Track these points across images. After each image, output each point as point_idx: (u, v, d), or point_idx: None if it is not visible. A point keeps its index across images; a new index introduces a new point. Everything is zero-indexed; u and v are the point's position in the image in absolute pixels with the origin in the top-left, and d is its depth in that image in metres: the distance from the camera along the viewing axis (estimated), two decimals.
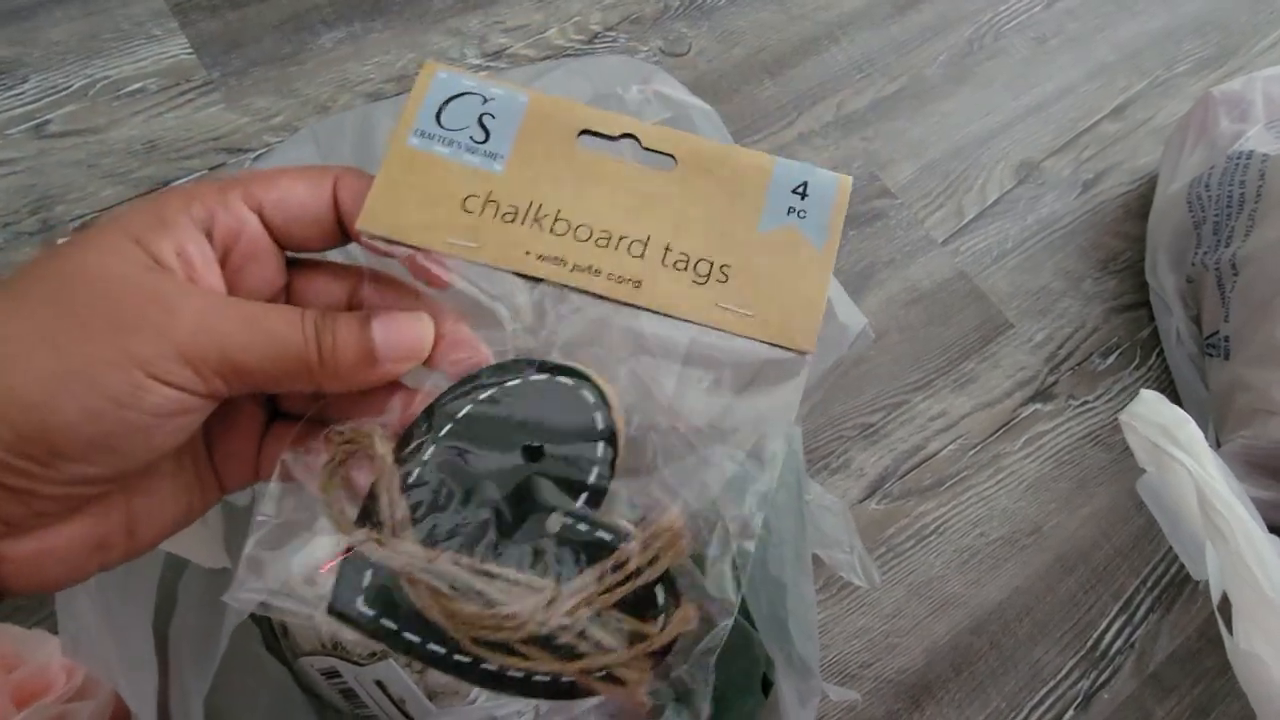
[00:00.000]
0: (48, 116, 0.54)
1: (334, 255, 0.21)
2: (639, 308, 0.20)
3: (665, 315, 0.20)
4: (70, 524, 0.18)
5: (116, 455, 0.17)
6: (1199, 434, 0.28)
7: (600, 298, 0.20)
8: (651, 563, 0.18)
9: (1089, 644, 0.46)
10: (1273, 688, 0.27)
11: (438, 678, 0.34)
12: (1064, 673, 0.45)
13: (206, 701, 0.28)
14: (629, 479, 0.19)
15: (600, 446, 0.19)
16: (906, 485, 0.50)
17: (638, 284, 0.20)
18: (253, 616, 0.36)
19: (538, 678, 0.18)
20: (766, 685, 0.36)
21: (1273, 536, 0.27)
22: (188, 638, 0.30)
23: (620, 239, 0.20)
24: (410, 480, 0.19)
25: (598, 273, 0.20)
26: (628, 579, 0.18)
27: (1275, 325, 0.47)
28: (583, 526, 0.19)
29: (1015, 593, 0.47)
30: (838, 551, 0.39)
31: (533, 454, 0.19)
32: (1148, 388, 0.55)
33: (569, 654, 0.18)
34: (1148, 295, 0.58)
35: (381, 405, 0.20)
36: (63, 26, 0.57)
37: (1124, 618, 0.47)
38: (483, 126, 0.20)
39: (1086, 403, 0.54)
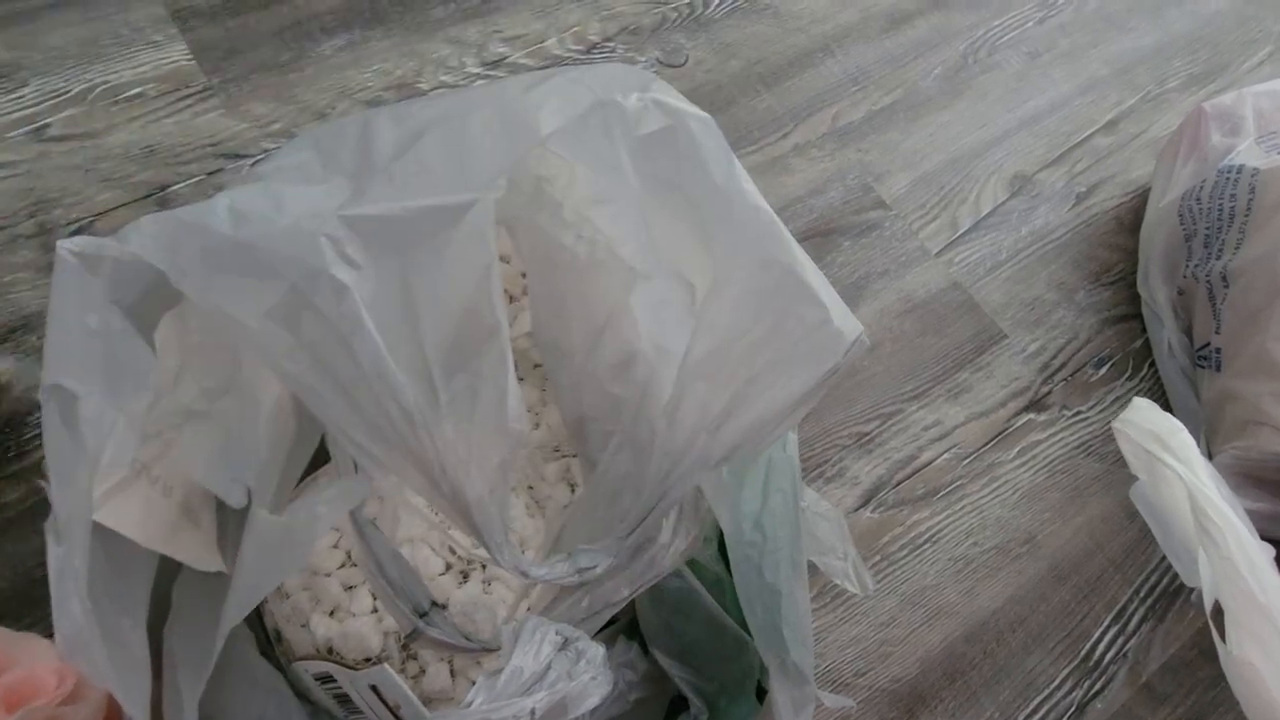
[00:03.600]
0: (47, 120, 0.54)
1: None
2: None
3: None
4: None
5: None
6: (1191, 441, 0.28)
7: None
8: None
9: (1082, 654, 0.46)
10: (1266, 695, 0.27)
11: (432, 683, 0.34)
12: (1057, 682, 0.46)
13: (201, 706, 0.28)
14: None
15: None
16: (900, 494, 0.50)
17: None
18: (247, 621, 0.36)
19: None
20: (761, 692, 0.36)
21: (1265, 544, 0.27)
22: (182, 641, 0.30)
23: None
24: None
25: None
26: None
27: (1265, 337, 0.47)
28: None
29: (1009, 602, 0.47)
30: (832, 559, 0.39)
31: None
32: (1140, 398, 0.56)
33: None
34: (1140, 307, 0.58)
35: None
36: (62, 31, 0.57)
37: (1117, 627, 0.47)
38: None
39: (1080, 413, 0.54)
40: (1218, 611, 0.28)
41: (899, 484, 0.50)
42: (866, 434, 0.52)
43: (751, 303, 0.30)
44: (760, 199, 0.30)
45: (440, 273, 0.24)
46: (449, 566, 0.37)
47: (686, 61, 0.64)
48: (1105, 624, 0.47)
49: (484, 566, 0.37)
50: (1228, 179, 0.52)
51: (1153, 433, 0.28)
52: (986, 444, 0.52)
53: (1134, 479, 0.32)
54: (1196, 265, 0.54)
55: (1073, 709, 0.45)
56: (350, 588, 0.37)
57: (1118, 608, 0.48)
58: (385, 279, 0.24)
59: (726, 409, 0.30)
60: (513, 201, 0.33)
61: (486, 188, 0.24)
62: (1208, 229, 0.53)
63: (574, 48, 0.63)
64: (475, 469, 0.26)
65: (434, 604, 0.33)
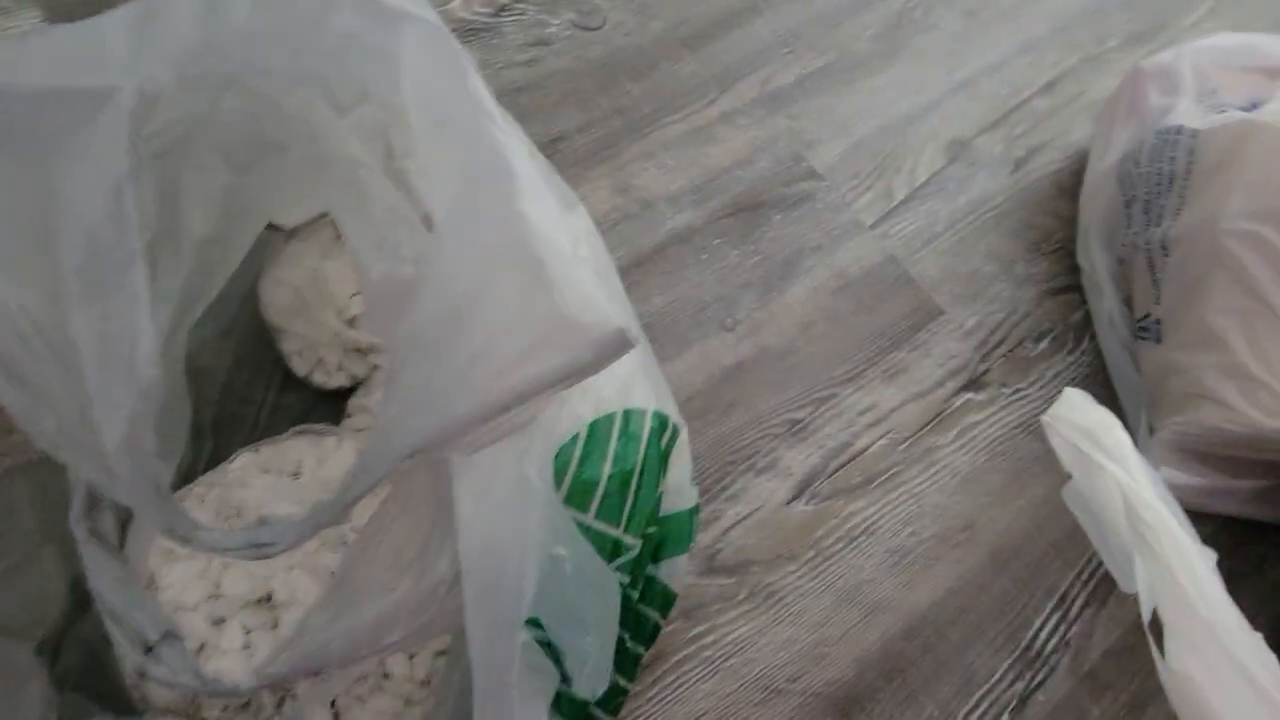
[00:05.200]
0: None
1: None
2: None
3: None
4: None
5: None
6: (1125, 438, 0.26)
7: None
8: None
9: (1023, 644, 0.45)
10: (1207, 710, 0.25)
11: None
12: (998, 676, 0.44)
13: None
14: None
15: None
16: (835, 484, 0.47)
17: None
18: (92, 673, 0.32)
19: None
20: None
21: (1205, 549, 0.25)
22: None
23: None
24: None
25: None
26: None
27: (1206, 307, 0.45)
28: None
29: (948, 594, 0.45)
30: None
31: None
32: (1081, 373, 0.53)
33: None
34: (1080, 277, 0.56)
35: None
36: None
37: (1058, 615, 0.45)
38: None
39: (1019, 390, 0.52)
40: (1156, 621, 0.26)
41: (834, 473, 0.48)
42: (799, 421, 0.49)
43: (472, 260, 0.22)
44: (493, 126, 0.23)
45: (79, 179, 0.19)
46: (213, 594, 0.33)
47: (604, 24, 0.60)
48: (1046, 611, 0.45)
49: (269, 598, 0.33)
50: (1166, 141, 0.50)
51: (1084, 428, 0.26)
52: (924, 427, 0.50)
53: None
54: (1136, 232, 0.51)
55: (1014, 703, 0.43)
56: (218, 622, 0.34)
57: (1059, 593, 0.46)
58: (18, 170, 0.19)
59: (441, 391, 0.23)
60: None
61: (134, 74, 0.19)
62: (1147, 194, 0.51)
63: (481, 10, 0.58)
64: (112, 414, 0.21)
65: (168, 634, 0.27)
